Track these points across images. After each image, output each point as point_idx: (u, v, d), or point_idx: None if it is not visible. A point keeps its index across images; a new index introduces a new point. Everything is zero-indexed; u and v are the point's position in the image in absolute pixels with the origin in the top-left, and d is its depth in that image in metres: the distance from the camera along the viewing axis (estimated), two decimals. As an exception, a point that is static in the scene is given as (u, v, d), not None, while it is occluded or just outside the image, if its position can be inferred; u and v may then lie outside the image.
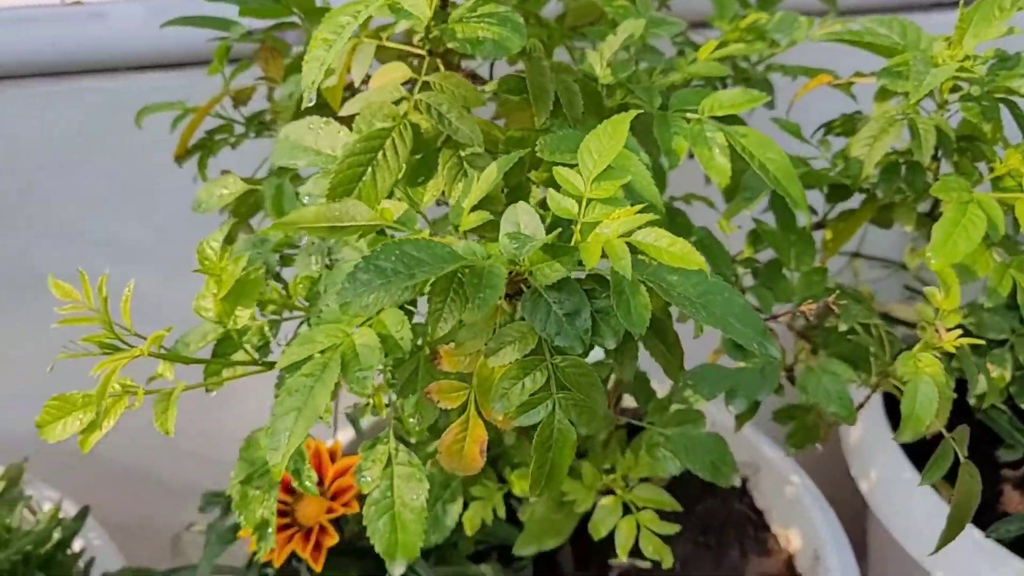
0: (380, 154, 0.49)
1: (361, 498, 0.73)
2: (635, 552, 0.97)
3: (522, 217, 0.47)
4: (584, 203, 0.46)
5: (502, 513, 0.70)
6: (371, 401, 0.53)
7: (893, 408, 1.06)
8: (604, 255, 0.44)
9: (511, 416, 0.45)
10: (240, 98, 0.68)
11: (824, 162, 0.69)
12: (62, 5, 0.86)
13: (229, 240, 0.73)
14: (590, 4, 0.72)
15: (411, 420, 0.50)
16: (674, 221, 0.65)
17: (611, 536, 0.97)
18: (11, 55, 0.85)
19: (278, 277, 0.62)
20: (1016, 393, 0.92)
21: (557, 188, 0.50)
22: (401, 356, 0.48)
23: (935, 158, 0.65)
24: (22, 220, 0.93)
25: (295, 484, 0.55)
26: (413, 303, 0.49)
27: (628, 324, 0.44)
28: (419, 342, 0.50)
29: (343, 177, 0.49)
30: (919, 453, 0.99)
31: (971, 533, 0.93)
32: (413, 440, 0.58)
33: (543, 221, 0.47)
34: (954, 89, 0.64)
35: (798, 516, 0.97)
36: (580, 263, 0.45)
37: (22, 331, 0.98)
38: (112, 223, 0.93)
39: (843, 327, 0.62)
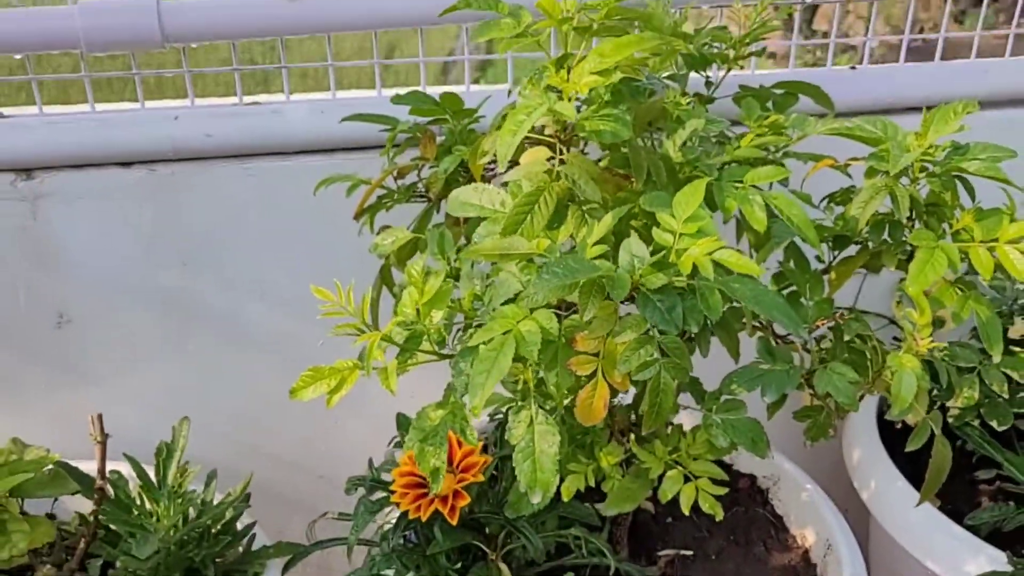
0: (536, 206, 0.73)
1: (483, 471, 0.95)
2: (679, 544, 1.19)
3: (634, 246, 0.70)
4: (677, 236, 0.70)
5: (592, 483, 0.91)
6: (521, 377, 0.76)
7: (887, 437, 1.28)
8: (693, 269, 0.68)
9: (632, 374, 0.68)
10: (403, 172, 0.92)
11: (829, 222, 0.93)
12: (244, 105, 1.11)
13: (385, 278, 0.97)
14: (652, 108, 0.97)
15: (553, 387, 0.73)
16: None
17: (659, 534, 1.19)
18: (208, 141, 1.07)
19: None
20: (986, 413, 1.14)
21: (649, 233, 0.74)
22: (551, 340, 0.71)
23: (910, 219, 0.89)
24: (200, 267, 1.14)
25: (460, 438, 0.77)
26: (560, 307, 0.73)
27: (708, 312, 0.67)
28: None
29: (512, 221, 0.73)
30: (908, 471, 1.21)
31: (953, 528, 1.13)
32: (547, 407, 0.80)
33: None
34: (922, 169, 0.87)
35: (812, 517, 1.15)
36: (675, 275, 0.69)
37: (192, 360, 1.20)
38: (265, 270, 1.14)
39: (847, 337, 0.85)
